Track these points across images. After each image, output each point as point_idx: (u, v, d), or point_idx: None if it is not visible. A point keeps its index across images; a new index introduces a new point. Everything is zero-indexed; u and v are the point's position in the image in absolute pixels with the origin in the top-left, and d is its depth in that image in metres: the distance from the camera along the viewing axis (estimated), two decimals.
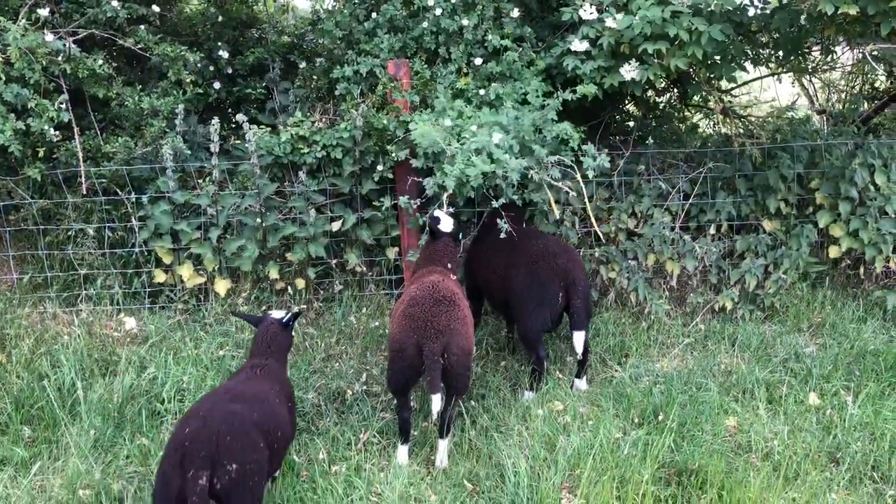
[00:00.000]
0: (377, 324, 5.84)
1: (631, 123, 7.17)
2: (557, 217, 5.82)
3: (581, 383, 5.15)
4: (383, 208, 5.67)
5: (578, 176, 5.17)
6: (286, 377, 4.03)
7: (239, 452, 3.12)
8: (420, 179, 5.33)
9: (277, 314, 4.21)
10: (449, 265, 4.68)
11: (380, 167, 5.78)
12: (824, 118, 7.81)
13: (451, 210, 4.97)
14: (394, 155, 5.66)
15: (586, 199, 5.40)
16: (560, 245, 5.21)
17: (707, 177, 6.31)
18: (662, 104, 7.56)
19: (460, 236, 4.85)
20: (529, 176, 5.10)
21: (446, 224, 4.78)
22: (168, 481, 3.07)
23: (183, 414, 3.79)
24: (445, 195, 4.93)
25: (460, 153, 4.86)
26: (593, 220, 5.58)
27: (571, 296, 4.92)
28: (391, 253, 6.17)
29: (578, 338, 4.79)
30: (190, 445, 3.09)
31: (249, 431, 3.22)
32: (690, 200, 6.28)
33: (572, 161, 5.33)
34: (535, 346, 4.87)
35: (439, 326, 4.06)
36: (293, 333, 4.25)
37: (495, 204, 5.08)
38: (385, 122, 5.72)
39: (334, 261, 6.13)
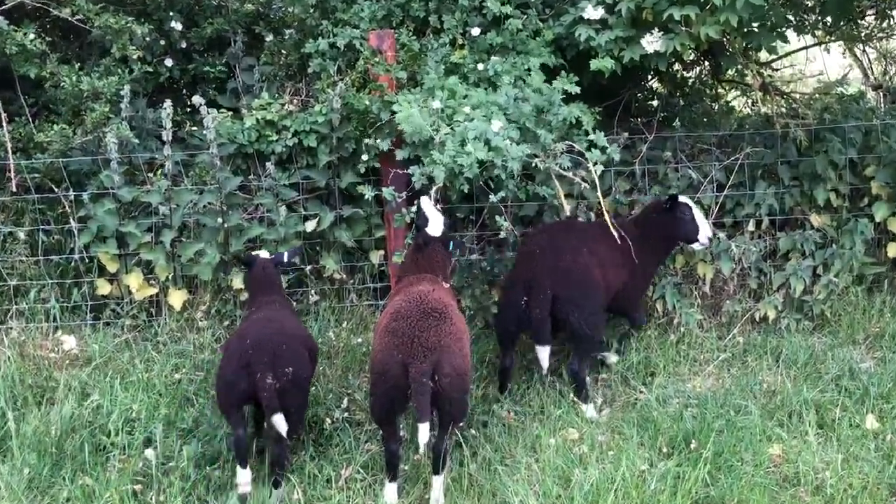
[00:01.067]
0: (360, 340, 5.85)
1: (655, 103, 7.18)
2: (568, 213, 5.81)
3: (589, 410, 5.18)
4: (365, 199, 5.68)
5: (591, 165, 5.14)
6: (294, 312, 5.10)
7: (292, 359, 4.30)
8: (405, 172, 5.37)
9: (265, 253, 5.04)
10: (440, 272, 4.73)
11: (363, 156, 5.80)
12: (880, 94, 7.86)
13: (438, 206, 5.05)
14: (377, 142, 5.69)
15: (600, 192, 5.33)
16: (558, 243, 5.28)
17: (744, 164, 6.34)
18: (691, 80, 7.59)
19: (450, 245, 4.88)
20: (534, 165, 5.12)
21: (435, 226, 4.80)
22: (234, 384, 4.26)
23: (233, 335, 4.61)
24: (435, 188, 4.94)
25: (451, 139, 4.88)
26: (608, 216, 5.44)
27: (531, 303, 5.02)
28: (375, 257, 6.18)
29: (541, 353, 4.93)
30: (254, 353, 4.24)
31: (298, 344, 4.44)
32: (725, 192, 6.31)
33: (585, 147, 5.38)
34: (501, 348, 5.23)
35: (428, 343, 4.10)
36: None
37: (493, 199, 5.08)
38: (367, 103, 5.73)
39: (309, 267, 6.13)
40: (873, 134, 6.44)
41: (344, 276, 6.18)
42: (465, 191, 5.09)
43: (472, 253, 6.28)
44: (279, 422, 4.22)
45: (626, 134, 6.35)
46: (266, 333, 4.41)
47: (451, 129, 5.00)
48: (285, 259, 5.07)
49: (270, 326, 4.48)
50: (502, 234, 5.30)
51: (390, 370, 4.12)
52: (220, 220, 5.82)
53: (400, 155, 5.39)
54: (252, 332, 4.44)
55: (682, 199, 5.59)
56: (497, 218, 5.26)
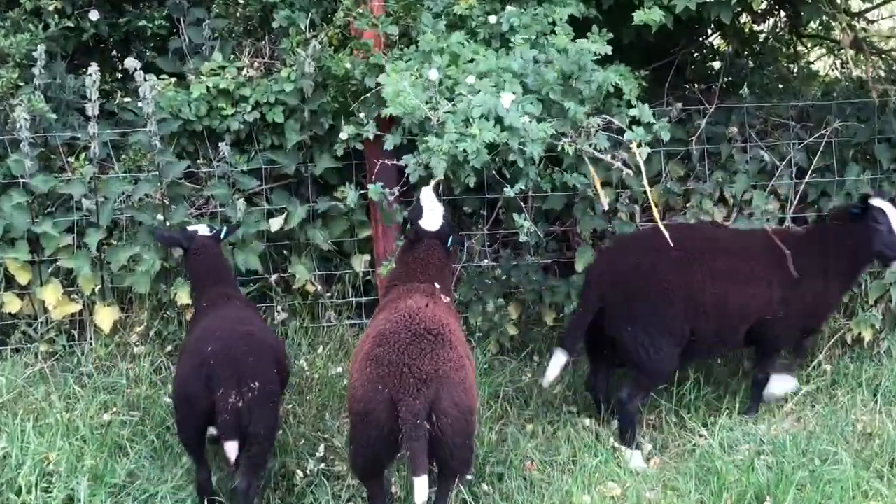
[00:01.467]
0: (340, 370, 5.85)
1: (716, 65, 7.15)
2: (606, 206, 5.80)
3: (634, 458, 5.16)
4: (345, 198, 5.63)
5: (634, 145, 5.11)
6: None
7: (260, 371, 4.48)
8: (395, 163, 5.38)
9: (203, 228, 5.17)
10: (437, 280, 4.76)
11: (342, 134, 5.78)
12: None
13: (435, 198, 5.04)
14: (361, 119, 5.68)
15: (646, 180, 5.27)
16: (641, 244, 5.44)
17: (831, 143, 6.32)
18: (763, 36, 7.57)
19: (450, 240, 4.90)
20: (561, 147, 5.10)
21: (432, 219, 4.82)
22: (194, 402, 4.43)
23: (189, 338, 4.83)
24: (434, 182, 4.94)
25: (452, 119, 4.88)
26: (656, 210, 5.39)
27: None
28: (359, 263, 6.19)
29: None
30: (215, 365, 4.39)
31: (267, 352, 4.63)
32: (807, 178, 6.30)
33: (627, 123, 5.29)
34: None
35: (422, 374, 4.11)
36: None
37: (509, 192, 5.10)
38: (348, 66, 5.73)
39: (274, 276, 6.14)
40: None
41: (319, 287, 6.17)
42: (472, 184, 5.10)
43: (484, 257, 6.29)
44: (231, 450, 4.35)
45: (679, 105, 6.35)
46: (229, 338, 4.54)
47: (453, 104, 4.98)
48: (222, 235, 5.25)
49: (233, 329, 4.63)
50: (522, 237, 5.29)
51: (374, 410, 4.12)
52: (160, 216, 5.81)
53: (390, 142, 5.42)
54: (212, 335, 4.56)
55: (877, 201, 5.48)
56: (516, 217, 5.26)
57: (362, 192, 5.58)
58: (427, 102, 5.02)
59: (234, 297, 5.09)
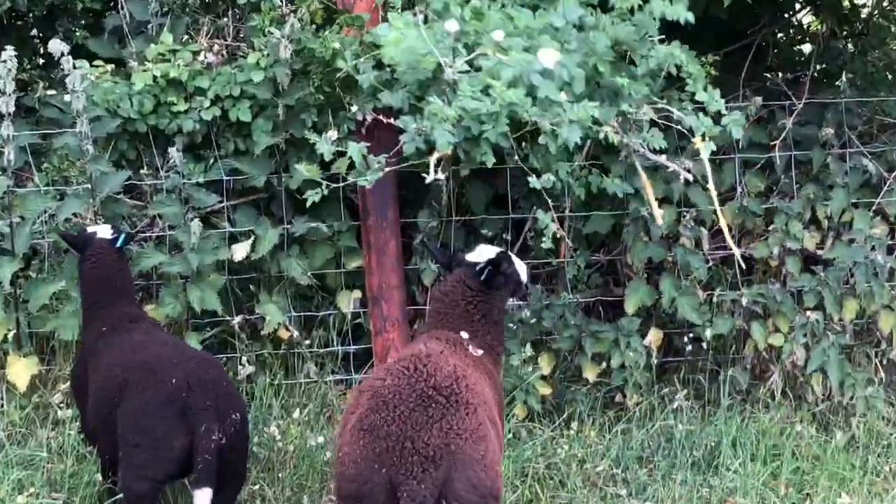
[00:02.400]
0: (322, 440, 5.83)
1: (806, 49, 7.17)
2: (663, 229, 5.79)
3: None
4: (324, 203, 5.49)
5: (698, 143, 5.08)
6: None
7: (238, 399, 4.76)
8: (390, 122, 5.25)
9: (105, 229, 5.23)
10: (467, 328, 4.79)
11: (330, 133, 5.45)
12: None
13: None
14: (355, 113, 5.67)
15: (713, 192, 5.25)
16: None
17: None
18: (867, 11, 7.54)
19: (486, 274, 4.81)
20: (604, 137, 5.07)
21: (483, 251, 4.88)
22: (170, 442, 4.48)
23: (92, 373, 4.90)
24: (435, 157, 4.83)
25: (468, 79, 4.74)
26: (728, 234, 5.45)
27: None
28: (347, 302, 6.19)
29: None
30: (193, 392, 4.51)
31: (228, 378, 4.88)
32: None
33: (689, 113, 5.26)
34: None
35: (428, 449, 4.06)
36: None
37: (535, 183, 4.99)
38: (336, 46, 5.71)
39: (237, 318, 6.14)
40: None
41: (296, 333, 6.17)
42: (488, 162, 4.95)
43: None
44: (203, 499, 4.41)
45: (758, 100, 6.34)
46: (196, 363, 4.72)
47: (471, 65, 4.86)
48: (120, 243, 5.25)
49: (187, 352, 4.83)
50: (546, 242, 5.23)
51: (369, 494, 4.06)
52: None
53: (389, 99, 5.39)
54: (168, 361, 4.69)
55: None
56: (540, 215, 5.22)
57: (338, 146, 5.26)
58: (438, 51, 4.85)
59: (142, 318, 5.16)
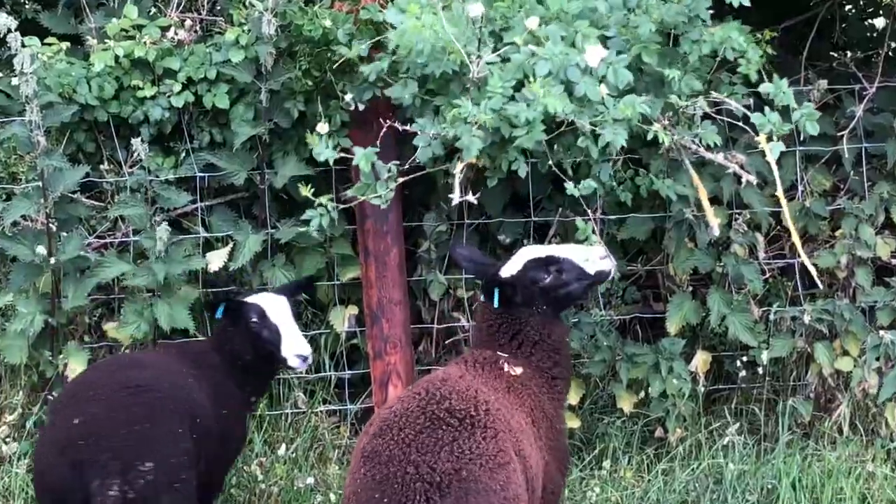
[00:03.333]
0: (311, 480, 5.79)
1: (878, 23, 7.00)
2: (716, 233, 5.68)
3: None
4: (316, 206, 5.39)
5: (763, 141, 5.09)
6: None
7: (158, 444, 4.54)
8: (402, 128, 5.29)
9: None
10: (497, 345, 4.89)
11: (321, 126, 5.47)
12: None
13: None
14: (350, 101, 5.61)
15: (782, 196, 5.31)
16: None
17: None
18: None
19: (501, 292, 4.83)
20: (652, 136, 5.10)
21: (514, 262, 4.90)
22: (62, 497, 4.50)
23: (60, 395, 4.94)
24: (460, 168, 4.90)
25: (499, 72, 4.83)
26: (798, 242, 5.41)
27: None
28: (341, 319, 6.11)
29: None
30: (86, 445, 4.44)
31: (165, 410, 4.68)
32: None
33: (747, 105, 5.28)
34: None
35: (434, 475, 4.10)
36: None
37: (573, 190, 4.95)
38: (327, 24, 5.62)
39: None
40: None
41: None
42: (520, 171, 4.99)
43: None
44: None
45: (822, 83, 6.23)
46: (103, 400, 4.59)
47: (500, 57, 4.98)
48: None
49: (121, 383, 4.70)
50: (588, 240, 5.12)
51: None
52: (42, 248, 5.68)
53: (398, 91, 5.36)
54: (76, 398, 4.66)
55: None
56: (579, 223, 5.10)
57: (343, 152, 5.34)
58: (464, 46, 4.96)
59: None
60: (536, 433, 4.63)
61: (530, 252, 4.95)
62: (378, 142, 5.33)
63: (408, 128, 5.17)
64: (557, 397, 4.94)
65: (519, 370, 4.76)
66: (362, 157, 5.07)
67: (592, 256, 4.91)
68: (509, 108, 4.71)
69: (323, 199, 5.24)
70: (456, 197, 5.00)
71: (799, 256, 5.69)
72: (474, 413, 4.27)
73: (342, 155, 5.40)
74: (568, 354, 5.07)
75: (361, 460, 4.22)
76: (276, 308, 5.15)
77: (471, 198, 4.99)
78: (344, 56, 5.62)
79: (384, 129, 5.31)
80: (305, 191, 5.27)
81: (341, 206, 5.41)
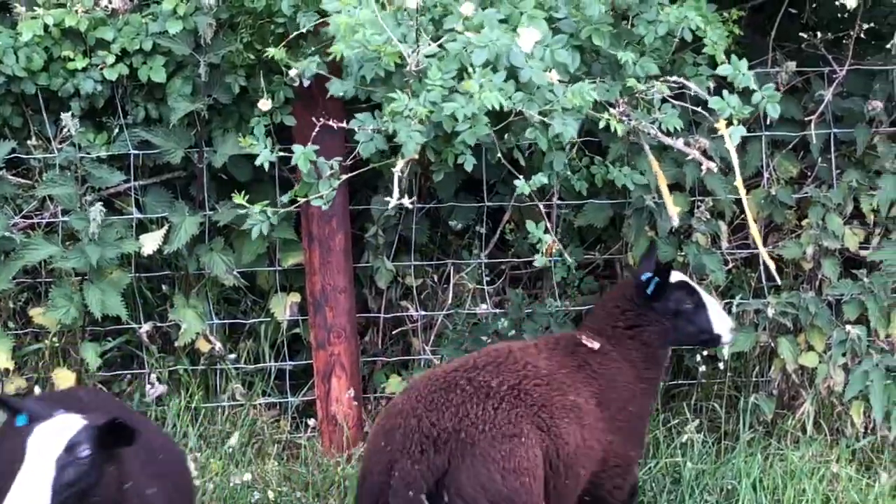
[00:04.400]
0: (248, 477, 5.73)
1: (850, 2, 6.78)
2: (676, 222, 5.66)
3: None
4: (255, 226, 5.34)
5: (722, 124, 5.08)
6: None
7: None
8: (340, 125, 5.26)
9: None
10: (609, 328, 5.17)
11: (263, 103, 5.53)
12: None
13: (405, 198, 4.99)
14: (294, 77, 5.47)
15: (741, 185, 5.35)
16: None
17: None
18: None
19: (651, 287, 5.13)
20: (605, 124, 5.11)
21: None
22: None
23: None
24: (400, 165, 4.89)
25: (437, 65, 4.84)
26: (756, 234, 5.43)
27: None
28: (282, 307, 6.08)
29: None
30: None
31: None
32: None
33: (709, 89, 5.32)
34: None
35: (433, 429, 4.37)
36: None
37: (523, 187, 4.98)
38: None
39: (146, 326, 5.99)
40: None
41: (218, 345, 6.05)
42: (467, 166, 5.00)
43: (482, 301, 6.25)
44: None
45: (791, 65, 6.21)
46: None
47: (441, 46, 4.96)
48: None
49: None
50: (539, 261, 5.19)
51: (371, 473, 4.42)
52: None
53: (337, 87, 5.31)
54: None
55: None
56: (531, 227, 5.12)
57: (283, 151, 5.25)
58: (402, 40, 4.96)
59: None
60: (600, 413, 4.85)
61: (686, 279, 5.31)
62: (320, 128, 5.27)
63: (344, 125, 5.15)
64: (642, 391, 5.14)
65: (596, 345, 5.00)
66: (301, 156, 5.11)
67: (725, 321, 5.25)
68: (446, 106, 4.69)
69: (256, 208, 5.21)
70: (393, 200, 4.96)
71: (759, 249, 5.68)
72: (494, 385, 4.54)
73: (283, 154, 5.34)
74: (661, 368, 5.37)
75: (383, 413, 4.65)
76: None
77: (406, 202, 4.94)
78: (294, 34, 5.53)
79: (318, 127, 5.26)
80: (239, 198, 5.22)
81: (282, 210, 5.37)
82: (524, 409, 4.54)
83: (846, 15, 6.79)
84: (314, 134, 5.33)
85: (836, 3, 7.05)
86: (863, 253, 6.19)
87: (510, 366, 4.70)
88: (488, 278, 6.26)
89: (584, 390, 4.88)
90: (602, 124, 5.11)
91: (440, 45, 4.94)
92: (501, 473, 4.36)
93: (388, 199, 5.01)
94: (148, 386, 5.97)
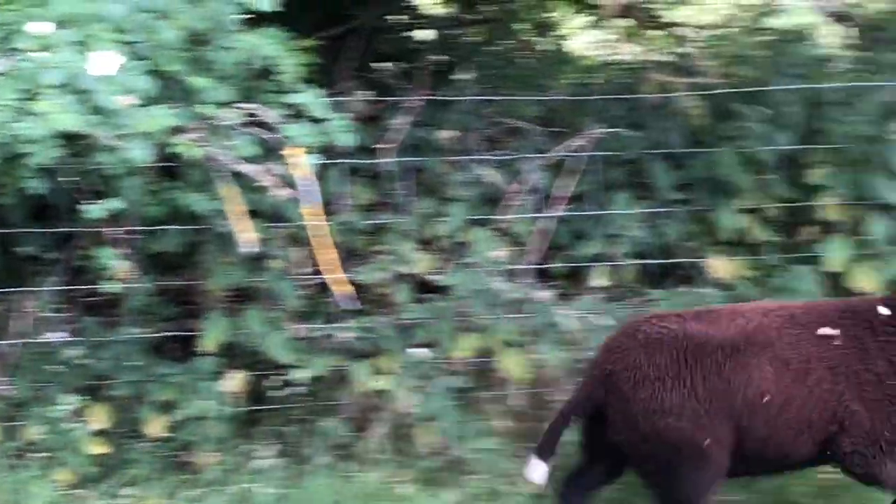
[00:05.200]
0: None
1: (421, 35, 7.34)
2: (249, 248, 5.83)
3: None
4: None
5: (289, 154, 5.34)
6: None
7: None
8: None
9: None
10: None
11: None
12: (846, 29, 8.03)
13: None
14: None
15: (306, 213, 5.59)
16: None
17: (593, 160, 6.50)
18: None
19: None
20: (178, 149, 5.15)
21: None
22: None
23: None
24: None
25: (9, 86, 4.80)
26: (325, 259, 5.68)
27: None
28: None
29: None
30: None
31: None
32: (556, 211, 6.48)
33: (284, 114, 5.40)
34: None
35: (592, 368, 5.21)
36: None
37: (94, 212, 5.01)
38: None
39: None
40: (826, 106, 6.65)
41: None
42: (40, 190, 4.99)
43: (53, 330, 6.12)
44: None
45: (365, 94, 6.43)
46: None
47: (11, 65, 4.92)
48: None
49: None
50: (109, 286, 5.40)
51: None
52: None
53: None
54: None
55: None
56: (102, 251, 5.31)
57: None
58: None
59: None
60: (835, 379, 4.87)
61: None
62: None
63: None
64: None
65: (887, 312, 5.05)
66: None
67: None
68: (15, 126, 4.62)
69: None
70: None
71: (336, 273, 5.82)
72: (662, 332, 5.04)
73: None
74: None
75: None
76: None
77: None
78: None
79: None
80: None
81: None
82: (695, 358, 4.96)
83: (420, 47, 7.10)
84: None
85: (410, 34, 7.40)
86: (433, 278, 6.33)
87: (725, 320, 5.04)
88: (63, 306, 6.15)
89: (829, 355, 5.03)
90: (175, 149, 5.11)
91: (11, 66, 4.85)
92: (642, 414, 4.98)
93: None
94: None
